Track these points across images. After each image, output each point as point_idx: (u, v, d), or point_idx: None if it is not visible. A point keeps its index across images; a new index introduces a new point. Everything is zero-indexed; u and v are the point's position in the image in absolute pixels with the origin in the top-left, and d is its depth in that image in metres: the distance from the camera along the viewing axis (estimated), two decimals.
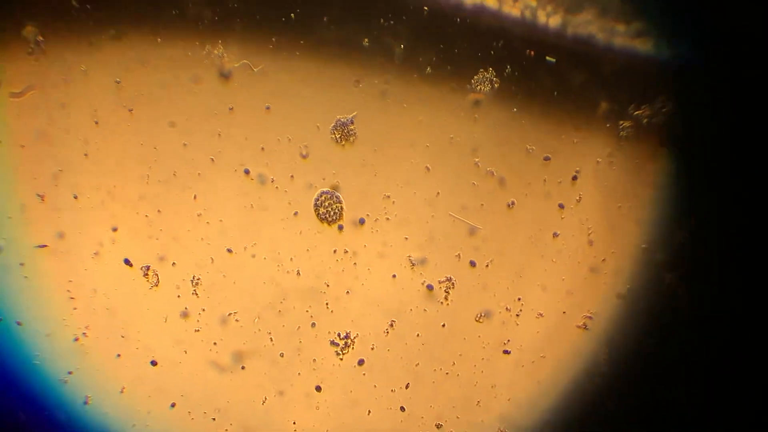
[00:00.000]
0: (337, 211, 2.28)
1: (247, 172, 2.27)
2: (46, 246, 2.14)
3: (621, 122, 2.23)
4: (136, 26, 2.24)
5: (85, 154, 2.24)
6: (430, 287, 2.30)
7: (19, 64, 2.21)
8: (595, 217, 2.26)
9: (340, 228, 2.28)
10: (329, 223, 2.30)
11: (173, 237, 2.30)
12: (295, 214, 2.32)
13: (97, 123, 2.26)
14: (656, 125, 2.21)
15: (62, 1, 2.21)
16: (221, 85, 2.27)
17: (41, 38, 2.22)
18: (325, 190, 2.29)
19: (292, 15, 2.24)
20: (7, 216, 2.25)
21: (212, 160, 2.29)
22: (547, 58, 2.23)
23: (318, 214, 2.29)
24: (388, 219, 2.32)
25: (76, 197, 2.27)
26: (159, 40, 2.25)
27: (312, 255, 2.32)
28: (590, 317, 2.27)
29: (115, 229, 2.29)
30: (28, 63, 2.20)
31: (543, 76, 2.24)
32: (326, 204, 2.29)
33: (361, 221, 2.24)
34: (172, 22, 2.24)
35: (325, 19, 2.24)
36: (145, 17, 2.24)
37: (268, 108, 2.27)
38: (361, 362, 2.33)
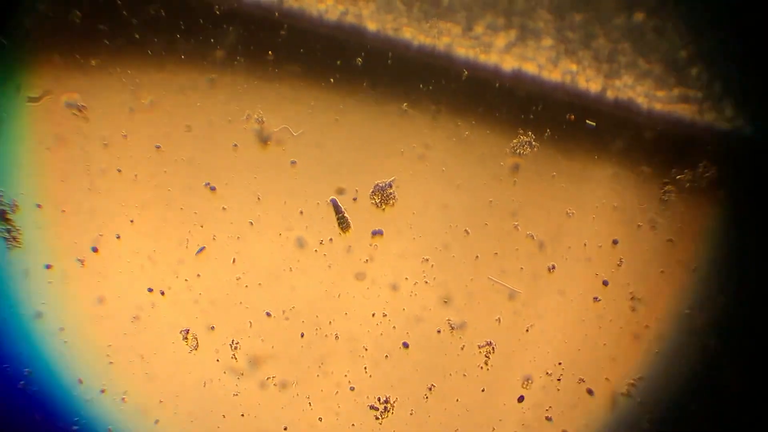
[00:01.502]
0: (346, 219, 2.28)
1: (210, 186, 2.25)
2: (204, 248, 2.15)
3: (663, 186, 2.21)
4: (175, 92, 2.26)
5: (132, 221, 2.26)
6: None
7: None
8: (637, 282, 2.24)
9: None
10: (344, 230, 2.29)
11: (212, 301, 2.30)
12: (329, 266, 2.32)
13: (136, 180, 2.27)
14: (699, 190, 2.19)
15: (104, 69, 2.24)
16: (260, 149, 2.28)
17: (83, 104, 2.24)
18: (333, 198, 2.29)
19: (332, 79, 2.25)
20: (48, 281, 2.26)
21: (251, 223, 2.30)
22: (588, 122, 2.22)
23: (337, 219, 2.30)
24: (426, 282, 2.31)
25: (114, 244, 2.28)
26: (198, 104, 2.27)
27: (351, 318, 2.31)
28: (633, 384, 2.24)
29: (151, 290, 2.30)
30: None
31: (583, 139, 2.24)
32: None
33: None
34: (211, 88, 2.26)
35: (364, 83, 2.26)
36: (183, 83, 2.26)
37: (293, 162, 2.27)
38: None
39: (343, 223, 2.28)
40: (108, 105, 2.26)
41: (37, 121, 2.26)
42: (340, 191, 2.29)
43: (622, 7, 2.17)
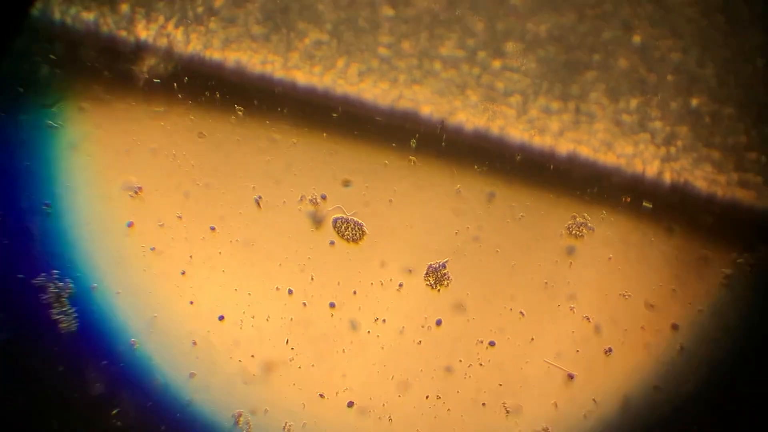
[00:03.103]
0: (358, 229, 2.25)
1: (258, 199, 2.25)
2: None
3: (723, 270, 2.19)
4: (230, 174, 2.27)
5: (191, 302, 2.26)
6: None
7: None
8: (699, 370, 2.20)
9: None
10: (356, 241, 2.27)
11: (265, 382, 2.29)
12: (382, 348, 2.30)
13: (191, 262, 2.28)
14: (760, 274, 2.17)
15: (159, 151, 2.26)
16: (314, 230, 2.28)
17: (140, 186, 2.26)
18: (337, 216, 2.26)
19: (386, 162, 2.26)
20: (103, 362, 2.25)
21: (304, 304, 2.29)
22: (644, 203, 2.21)
23: (345, 238, 2.26)
24: (481, 365, 2.28)
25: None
26: (253, 185, 2.28)
27: (404, 401, 2.29)
28: None
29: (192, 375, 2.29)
30: None
31: (640, 222, 2.22)
32: (344, 227, 2.26)
33: None
34: (265, 171, 2.27)
35: (418, 165, 2.26)
36: (238, 164, 2.28)
37: (330, 244, 2.27)
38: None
39: (356, 236, 2.25)
40: (163, 186, 2.28)
41: (92, 202, 2.27)
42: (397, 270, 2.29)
43: (679, 92, 2.17)
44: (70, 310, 2.24)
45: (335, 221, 2.27)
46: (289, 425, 2.29)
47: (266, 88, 2.24)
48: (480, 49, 2.21)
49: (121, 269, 2.27)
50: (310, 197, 2.28)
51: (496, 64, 2.21)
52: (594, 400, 2.25)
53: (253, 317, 2.29)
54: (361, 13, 2.22)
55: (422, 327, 2.29)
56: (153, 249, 2.27)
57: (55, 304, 2.23)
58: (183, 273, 2.28)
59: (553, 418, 2.26)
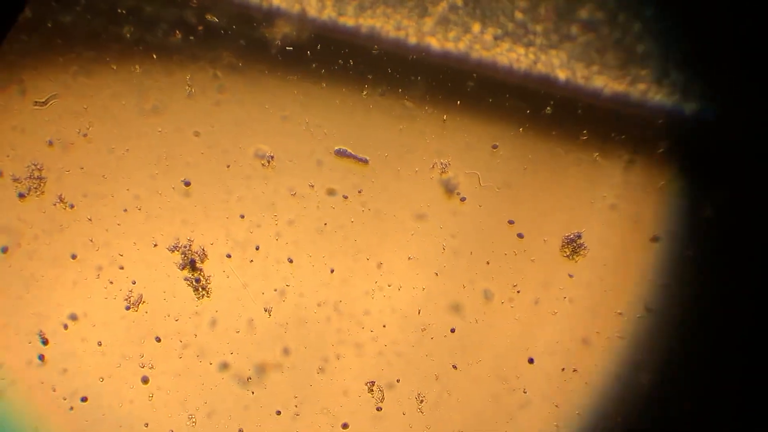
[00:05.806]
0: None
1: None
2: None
3: None
4: (364, 142, 2.25)
5: (332, 270, 2.24)
6: None
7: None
8: None
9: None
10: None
11: (397, 353, 2.26)
12: (516, 319, 2.26)
13: (323, 231, 2.27)
14: None
15: (292, 119, 2.25)
16: (446, 198, 2.25)
17: (272, 155, 2.26)
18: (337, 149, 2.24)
19: (521, 129, 2.22)
20: (236, 330, 2.26)
21: (436, 274, 2.26)
22: None
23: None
24: (620, 337, 2.22)
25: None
26: (386, 154, 2.26)
27: (539, 373, 2.24)
28: None
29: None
30: None
31: None
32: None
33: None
34: (397, 139, 2.25)
35: (553, 132, 2.22)
36: (371, 133, 2.26)
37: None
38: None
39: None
40: (296, 155, 2.27)
41: (225, 170, 2.28)
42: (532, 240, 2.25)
43: None
44: (205, 277, 2.25)
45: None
46: (423, 396, 2.26)
47: (400, 55, 2.22)
48: (621, 11, 2.15)
49: (254, 238, 2.26)
50: (442, 165, 2.25)
51: (636, 27, 2.15)
52: (740, 373, 2.17)
53: (386, 287, 2.26)
54: None
55: (558, 298, 2.24)
56: (285, 219, 2.27)
57: (191, 271, 2.24)
58: (315, 241, 2.26)
59: (693, 393, 2.19)
